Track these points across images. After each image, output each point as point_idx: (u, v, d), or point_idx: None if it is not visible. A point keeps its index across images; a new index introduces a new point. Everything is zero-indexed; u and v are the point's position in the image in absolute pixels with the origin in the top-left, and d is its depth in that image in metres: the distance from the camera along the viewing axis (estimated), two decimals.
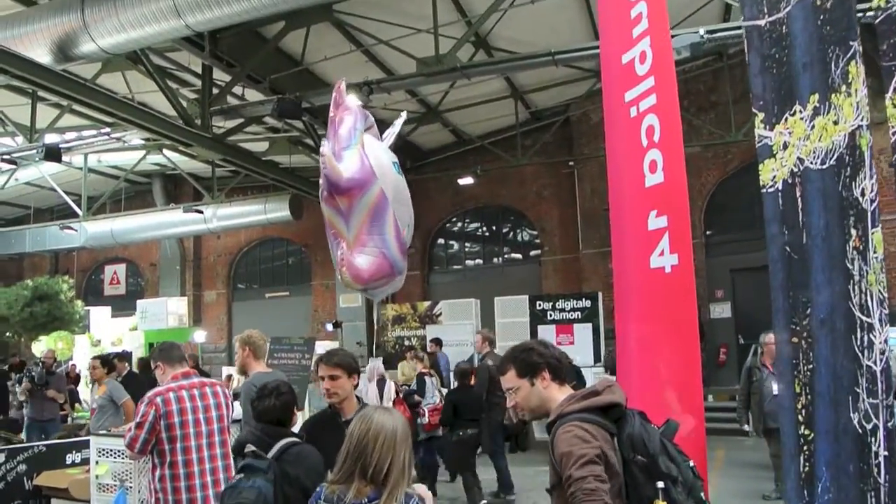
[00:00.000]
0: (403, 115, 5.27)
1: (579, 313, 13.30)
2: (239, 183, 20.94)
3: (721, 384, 15.26)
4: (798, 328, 2.88)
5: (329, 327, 19.89)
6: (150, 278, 25.09)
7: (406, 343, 15.61)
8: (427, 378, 10.13)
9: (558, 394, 2.77)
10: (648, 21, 3.67)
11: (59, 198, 19.68)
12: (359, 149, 4.45)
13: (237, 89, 14.47)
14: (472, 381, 9.30)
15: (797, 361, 2.90)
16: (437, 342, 13.54)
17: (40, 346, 18.05)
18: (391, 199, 4.56)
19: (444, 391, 10.22)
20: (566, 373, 2.86)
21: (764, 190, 3.17)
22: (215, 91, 13.41)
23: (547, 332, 13.36)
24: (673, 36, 9.23)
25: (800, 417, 2.92)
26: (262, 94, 14.02)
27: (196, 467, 4.42)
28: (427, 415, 9.45)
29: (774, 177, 3.08)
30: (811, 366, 2.85)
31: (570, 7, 12.85)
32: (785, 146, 3.03)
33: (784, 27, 2.99)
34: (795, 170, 2.95)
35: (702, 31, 8.99)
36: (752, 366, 8.80)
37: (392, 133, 5.17)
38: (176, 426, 4.41)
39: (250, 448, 3.37)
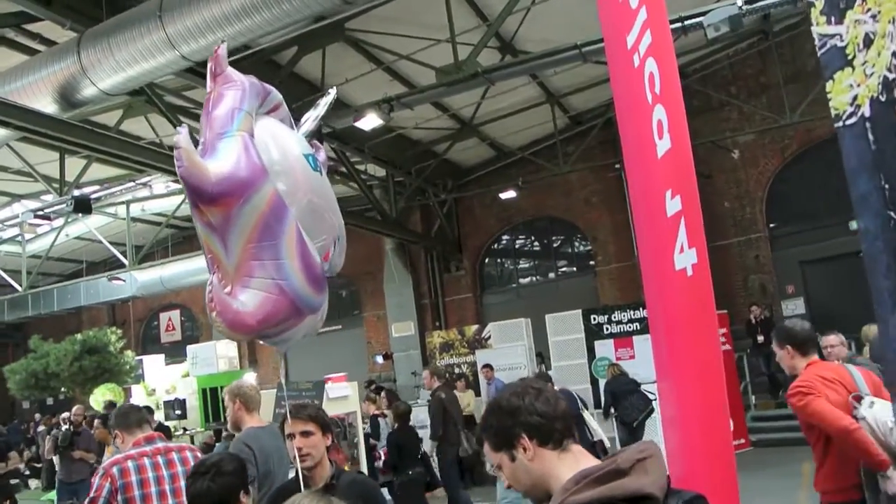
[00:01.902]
0: (332, 91, 4.39)
1: (638, 324, 12.34)
2: None
3: None
4: None
5: (379, 360, 19.27)
6: (205, 322, 24.88)
7: (457, 371, 14.80)
8: (380, 419, 10.10)
9: (560, 466, 1.86)
10: None
11: (108, 250, 19.65)
12: (241, 137, 3.31)
13: None
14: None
15: None
16: (489, 368, 12.76)
17: (96, 399, 17.86)
18: (300, 204, 3.46)
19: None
20: (567, 428, 1.92)
21: (839, 123, 1.79)
22: None
23: (604, 348, 12.46)
24: (707, 12, 8.38)
25: None
26: None
27: None
28: (384, 457, 9.25)
29: (855, 97, 1.74)
30: None
31: None
32: (868, 42, 1.69)
33: None
34: (892, 76, 1.62)
35: (739, 2, 8.10)
36: None
37: (312, 116, 4.06)
38: (136, 500, 3.73)
39: None
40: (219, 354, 19.24)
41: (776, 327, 5.59)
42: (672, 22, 8.63)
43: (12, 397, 23.01)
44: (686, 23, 8.58)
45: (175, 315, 26.03)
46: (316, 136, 11.48)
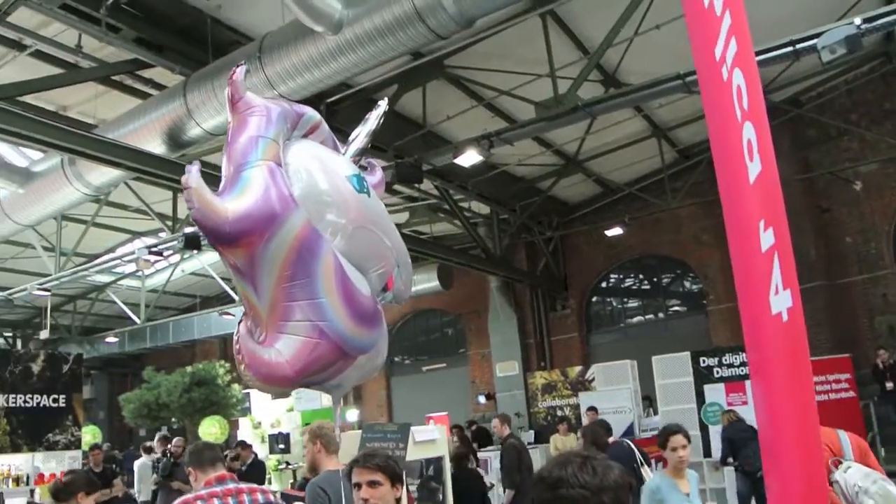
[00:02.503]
0: (382, 103, 4.13)
1: None
2: None
3: None
4: None
5: (482, 400, 18.95)
6: None
7: (559, 413, 14.34)
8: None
9: None
10: None
11: (221, 285, 20.30)
12: (265, 167, 3.01)
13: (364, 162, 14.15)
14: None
15: None
16: (594, 411, 12.27)
17: (204, 430, 18.27)
18: (346, 232, 3.12)
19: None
20: (617, 500, 1.66)
21: None
22: None
23: (715, 393, 11.75)
24: (821, 33, 7.85)
25: None
26: (387, 162, 13.61)
27: None
28: None
29: None
30: None
31: None
32: None
33: None
34: None
35: (857, 21, 7.54)
36: None
37: (363, 132, 3.76)
38: None
39: None
40: None
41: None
42: (782, 46, 8.16)
43: (129, 425, 23.95)
44: (798, 46, 8.03)
45: None
46: (418, 173, 11.40)
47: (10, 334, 26.97)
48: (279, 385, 3.00)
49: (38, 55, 10.21)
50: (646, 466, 8.92)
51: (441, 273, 19.50)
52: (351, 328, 3.01)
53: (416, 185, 15.38)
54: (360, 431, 6.19)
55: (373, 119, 3.83)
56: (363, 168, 4.07)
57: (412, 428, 5.85)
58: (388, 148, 13.59)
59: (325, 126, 3.62)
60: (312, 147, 3.43)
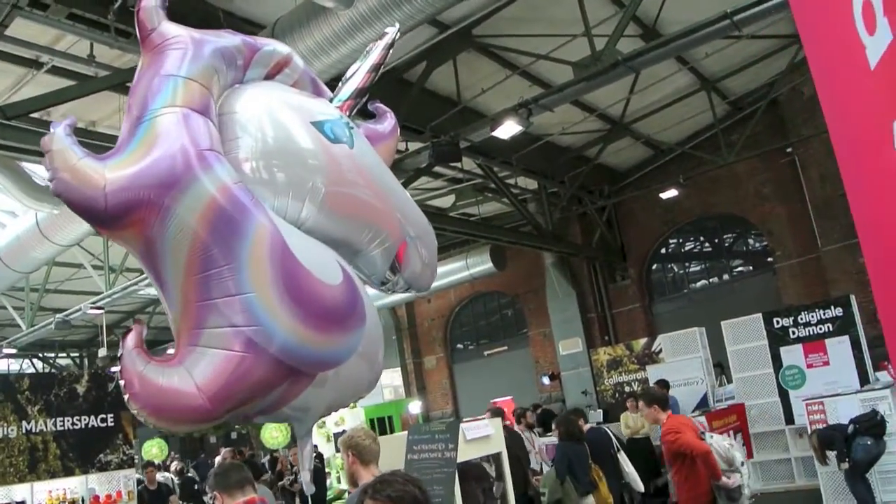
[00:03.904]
0: (392, 30, 3.34)
1: (830, 325, 10.76)
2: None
3: None
4: None
5: (546, 381, 18.38)
6: None
7: (626, 389, 13.66)
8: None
9: None
10: None
11: None
12: (171, 116, 2.22)
13: (400, 145, 13.70)
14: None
15: None
16: (663, 384, 11.58)
17: (268, 435, 18.10)
18: (312, 194, 2.36)
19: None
20: None
21: None
22: None
23: (792, 354, 10.98)
24: None
25: None
26: (423, 143, 13.12)
27: None
28: None
29: None
30: None
31: None
32: None
33: None
34: None
35: None
36: None
37: (361, 69, 3.08)
38: None
39: None
40: (384, 384, 19.04)
41: (643, 394, 8.08)
42: None
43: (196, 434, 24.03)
44: None
45: None
46: (456, 152, 10.72)
47: (77, 354, 27.35)
48: (189, 421, 2.12)
49: (56, 71, 9.99)
50: (622, 453, 8.34)
51: (494, 254, 19.07)
52: (299, 333, 2.18)
53: (459, 166, 14.88)
54: (405, 434, 5.71)
55: (376, 51, 3.16)
56: (370, 115, 3.56)
57: (463, 425, 5.36)
58: (425, 129, 13.09)
59: (298, 63, 2.95)
60: (273, 90, 2.72)
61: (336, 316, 2.32)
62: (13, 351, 22.13)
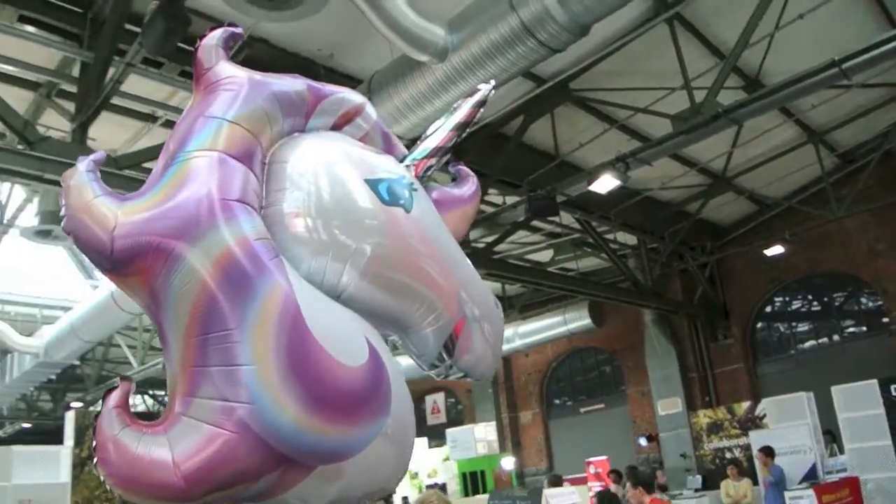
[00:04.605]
0: (486, 86, 3.12)
1: None
2: (533, 298, 20.28)
3: None
4: None
5: (643, 442, 17.77)
6: (467, 405, 24.86)
7: (727, 455, 13.03)
8: None
9: None
10: None
11: None
12: (203, 160, 2.10)
13: (497, 199, 13.76)
14: None
15: None
16: (768, 452, 10.98)
17: None
18: (355, 262, 2.17)
19: None
20: None
21: None
22: None
23: None
24: None
25: None
26: (520, 198, 13.14)
27: None
28: None
29: None
30: None
31: (856, 9, 10.46)
32: None
33: None
34: None
35: None
36: None
37: (444, 126, 2.83)
38: None
39: None
40: (477, 438, 18.83)
41: (629, 473, 8.05)
42: None
43: None
44: None
45: (440, 398, 26.25)
46: (553, 206, 10.62)
47: None
48: (160, 498, 1.88)
49: (170, 125, 10.48)
50: None
51: (592, 310, 18.79)
52: (296, 418, 1.89)
53: (557, 220, 14.82)
54: (486, 497, 5.59)
55: (464, 108, 2.90)
56: (452, 177, 3.43)
57: (546, 491, 5.21)
58: (521, 183, 13.12)
59: (370, 114, 2.75)
60: (332, 141, 2.54)
61: (348, 402, 2.02)
62: None
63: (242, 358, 1.87)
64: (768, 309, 18.83)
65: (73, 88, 9.11)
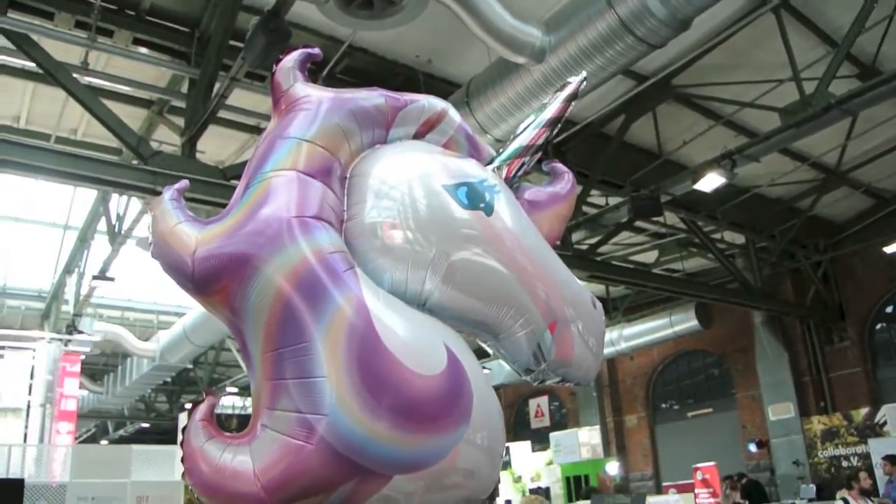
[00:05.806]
0: (577, 78, 3.08)
1: None
2: (638, 300, 19.96)
3: None
4: None
5: (752, 448, 17.16)
6: (571, 408, 24.61)
7: (843, 464, 12.42)
8: None
9: None
10: None
11: None
12: (279, 180, 2.16)
13: (600, 200, 13.62)
14: None
15: None
16: (893, 461, 10.40)
17: None
18: (436, 268, 2.17)
19: None
20: None
21: None
22: None
23: None
24: None
25: None
26: (623, 198, 12.95)
27: None
28: None
29: None
30: None
31: None
32: None
33: None
34: None
35: None
36: None
37: (532, 124, 2.77)
38: None
39: None
40: (581, 442, 18.67)
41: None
42: None
43: None
44: None
45: (544, 401, 26.06)
46: (656, 206, 10.42)
47: None
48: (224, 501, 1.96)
49: None
50: None
51: (699, 311, 18.33)
52: (369, 428, 1.91)
53: (661, 220, 14.54)
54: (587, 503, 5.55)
55: (555, 103, 2.86)
56: (545, 174, 3.38)
57: (651, 499, 5.13)
58: (624, 183, 12.96)
59: (454, 119, 2.72)
60: (411, 150, 2.54)
61: (423, 411, 2.02)
62: (235, 390, 24.02)
63: (316, 370, 1.92)
64: (888, 309, 17.89)
65: (182, 104, 9.54)
